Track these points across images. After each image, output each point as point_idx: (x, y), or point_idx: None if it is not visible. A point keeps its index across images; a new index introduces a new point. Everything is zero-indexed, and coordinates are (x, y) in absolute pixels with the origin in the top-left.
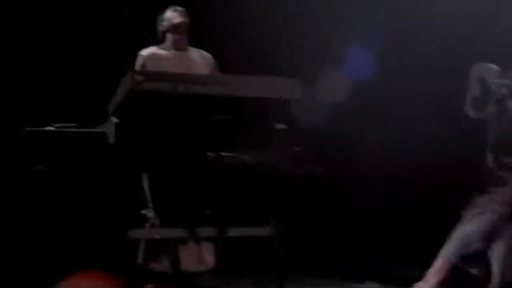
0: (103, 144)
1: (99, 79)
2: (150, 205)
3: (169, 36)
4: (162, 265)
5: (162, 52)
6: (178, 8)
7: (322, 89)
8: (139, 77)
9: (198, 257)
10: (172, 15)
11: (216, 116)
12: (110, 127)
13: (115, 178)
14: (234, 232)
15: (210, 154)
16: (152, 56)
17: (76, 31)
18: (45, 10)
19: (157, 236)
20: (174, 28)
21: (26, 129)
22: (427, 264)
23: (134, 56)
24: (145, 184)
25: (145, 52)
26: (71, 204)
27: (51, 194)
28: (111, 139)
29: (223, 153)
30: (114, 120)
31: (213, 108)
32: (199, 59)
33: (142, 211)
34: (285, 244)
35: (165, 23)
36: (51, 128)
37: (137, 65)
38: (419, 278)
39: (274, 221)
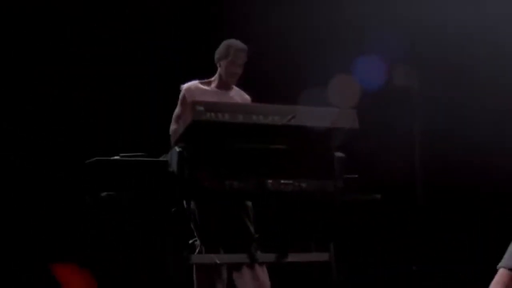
0: (166, 172)
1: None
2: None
3: (220, 74)
4: None
5: (203, 87)
6: (245, 47)
7: (332, 94)
8: (199, 108)
9: (254, 279)
10: (236, 55)
11: (276, 145)
12: (173, 156)
13: (173, 206)
14: (293, 257)
15: (269, 181)
16: (193, 90)
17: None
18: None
19: (217, 261)
20: (232, 73)
21: (95, 159)
22: None
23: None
24: (196, 212)
25: (187, 85)
26: (130, 230)
27: (114, 220)
28: (174, 167)
29: (282, 181)
30: (177, 149)
31: (273, 138)
32: (239, 99)
33: (191, 241)
34: (343, 270)
35: (223, 60)
36: (117, 158)
37: (180, 100)
38: None
39: (333, 247)
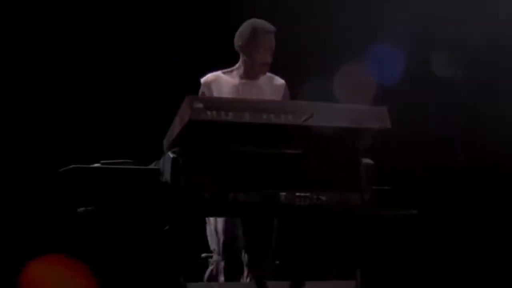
0: (157, 183)
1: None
2: (214, 248)
3: (244, 61)
4: None
5: (226, 78)
6: (273, 29)
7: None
8: (198, 105)
9: None
10: (265, 39)
11: (290, 150)
12: (165, 163)
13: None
14: (313, 287)
15: (282, 193)
16: (213, 83)
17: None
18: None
19: None
20: (261, 62)
21: (72, 166)
22: None
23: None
24: (209, 228)
25: (206, 78)
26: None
27: (96, 237)
28: (167, 177)
29: (298, 193)
30: (171, 155)
31: (286, 141)
32: (269, 88)
33: (203, 255)
34: None
35: (248, 47)
36: (98, 165)
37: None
38: None
39: (360, 274)
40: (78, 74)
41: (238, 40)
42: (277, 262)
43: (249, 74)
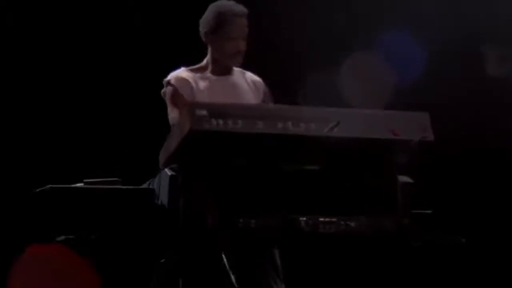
0: (151, 206)
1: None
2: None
3: (213, 53)
4: None
5: (195, 75)
6: (244, 10)
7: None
8: (200, 112)
9: None
10: (234, 24)
11: (311, 166)
12: (161, 182)
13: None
14: None
15: (303, 219)
16: (183, 81)
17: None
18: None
19: None
20: (232, 52)
21: (49, 186)
22: None
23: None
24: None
25: (174, 76)
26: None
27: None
28: (163, 198)
29: (321, 218)
30: (168, 172)
31: (307, 155)
32: (246, 85)
33: None
34: None
35: (214, 34)
36: (80, 185)
37: (169, 99)
38: None
39: None
40: (59, 80)
41: (202, 27)
42: None
43: (221, 69)
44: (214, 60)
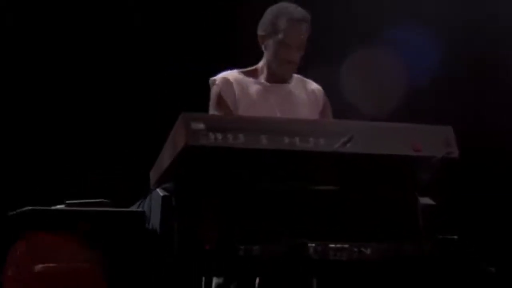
0: (143, 230)
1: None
2: None
3: (268, 59)
4: None
5: (249, 80)
6: (305, 16)
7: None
8: (197, 125)
9: None
10: (291, 30)
11: (321, 186)
12: (153, 204)
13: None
14: None
15: (311, 245)
16: (235, 83)
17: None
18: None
19: None
20: (284, 60)
21: (27, 208)
22: None
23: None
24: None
25: (224, 76)
26: None
27: None
28: (155, 222)
29: (332, 244)
30: (160, 193)
31: (317, 174)
32: (303, 95)
33: None
34: None
35: (270, 39)
36: (61, 207)
37: (212, 101)
38: None
39: None
40: (46, 90)
41: (259, 29)
42: None
43: (275, 76)
44: (268, 66)
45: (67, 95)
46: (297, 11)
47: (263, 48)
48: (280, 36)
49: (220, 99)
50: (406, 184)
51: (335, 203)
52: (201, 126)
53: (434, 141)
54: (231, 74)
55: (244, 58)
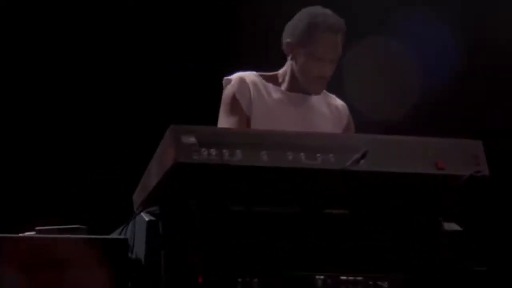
0: (125, 260)
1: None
2: None
3: (292, 66)
4: None
5: (268, 85)
6: (341, 25)
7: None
8: (187, 139)
9: None
10: (324, 41)
11: (330, 210)
12: (137, 230)
13: None
14: None
15: (320, 278)
16: (253, 85)
17: None
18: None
19: None
20: (313, 75)
21: None
22: None
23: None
24: None
25: (241, 75)
26: None
27: None
28: (139, 250)
29: (343, 277)
30: (145, 218)
31: (325, 195)
32: (326, 110)
33: None
34: None
35: (299, 44)
36: (31, 234)
37: (225, 103)
38: None
39: None
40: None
41: (287, 34)
42: None
43: (297, 86)
44: (292, 76)
45: (63, 98)
46: (334, 19)
47: (288, 57)
48: (312, 48)
49: (234, 101)
50: (428, 207)
51: (346, 229)
52: (192, 140)
53: (461, 158)
54: (248, 75)
55: (244, 58)
